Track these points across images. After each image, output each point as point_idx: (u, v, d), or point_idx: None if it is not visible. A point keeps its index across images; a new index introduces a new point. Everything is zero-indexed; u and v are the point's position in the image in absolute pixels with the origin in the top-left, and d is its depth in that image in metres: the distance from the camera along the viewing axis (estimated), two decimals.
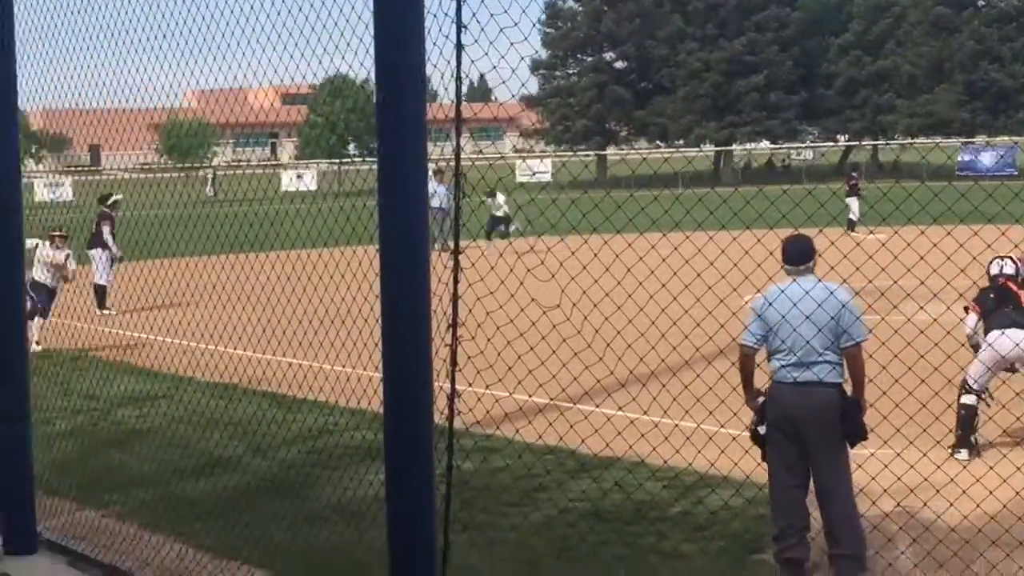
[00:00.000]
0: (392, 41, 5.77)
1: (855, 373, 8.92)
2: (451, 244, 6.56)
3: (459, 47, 6.12)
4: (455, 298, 6.49)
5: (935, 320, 9.29)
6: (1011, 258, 12.40)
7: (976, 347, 11.87)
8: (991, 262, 12.26)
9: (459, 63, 6.15)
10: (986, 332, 11.74)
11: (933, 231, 8.82)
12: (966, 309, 12.14)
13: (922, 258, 8.67)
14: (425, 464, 5.73)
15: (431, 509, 5.76)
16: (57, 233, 20.99)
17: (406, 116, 5.78)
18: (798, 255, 9.14)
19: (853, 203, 38.47)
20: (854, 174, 41.01)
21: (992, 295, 12.08)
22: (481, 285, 7.07)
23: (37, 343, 18.68)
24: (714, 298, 9.75)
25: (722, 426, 10.35)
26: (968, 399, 11.49)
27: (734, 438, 9.40)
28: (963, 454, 11.35)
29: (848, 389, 8.99)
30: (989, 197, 9.50)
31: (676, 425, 10.58)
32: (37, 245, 20.14)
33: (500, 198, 37.48)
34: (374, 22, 5.82)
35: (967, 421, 11.48)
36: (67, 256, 21.30)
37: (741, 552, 9.42)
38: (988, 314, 11.89)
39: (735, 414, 9.25)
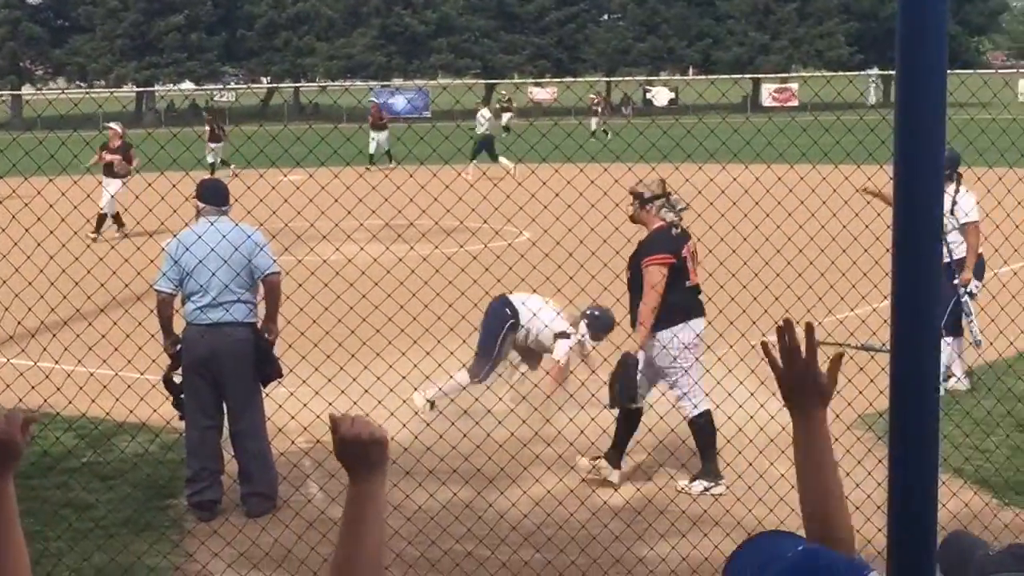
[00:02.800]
0: None
1: (272, 301, 9.11)
2: None
3: None
4: None
5: (350, 261, 9.52)
6: None
7: None
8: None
9: None
10: None
11: (348, 174, 8.99)
12: None
13: (336, 200, 8.84)
14: None
15: None
16: None
17: None
18: (216, 197, 9.18)
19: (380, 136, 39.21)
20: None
21: None
22: None
23: None
24: (132, 246, 9.54)
25: (142, 373, 10.16)
26: None
27: (129, 386, 9.29)
28: None
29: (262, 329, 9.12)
30: (398, 140, 9.80)
31: (92, 374, 10.31)
32: None
33: None
34: None
35: None
36: None
37: (151, 498, 9.38)
38: None
39: (154, 361, 9.12)
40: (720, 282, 10.37)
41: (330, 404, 9.51)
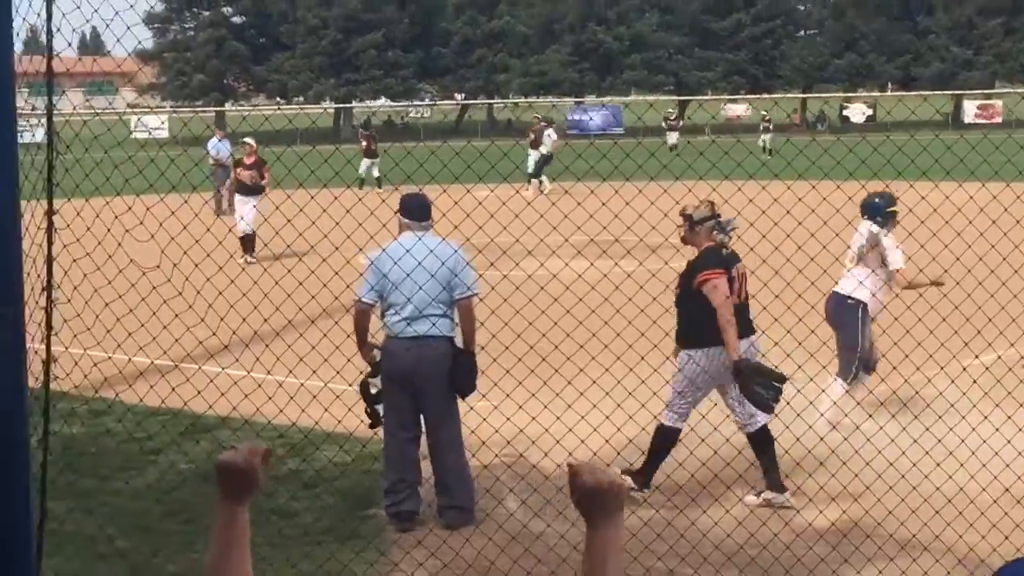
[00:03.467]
0: None
1: (467, 324, 9.15)
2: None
3: None
4: (49, 260, 6.33)
5: (554, 276, 9.54)
6: None
7: None
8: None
9: (50, 16, 5.99)
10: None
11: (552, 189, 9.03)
12: None
13: (542, 216, 8.89)
14: (17, 430, 5.39)
15: (26, 476, 5.42)
16: None
17: None
18: (419, 211, 9.28)
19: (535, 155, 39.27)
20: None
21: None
22: (77, 246, 6.83)
23: None
24: (325, 257, 9.70)
25: (350, 385, 10.35)
26: None
27: (337, 396, 9.38)
28: None
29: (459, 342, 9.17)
30: (604, 157, 9.82)
31: (302, 384, 10.51)
32: None
33: None
34: None
35: None
36: None
37: (354, 507, 9.53)
38: None
39: (338, 372, 9.22)
40: (931, 302, 10.17)
41: (533, 419, 9.59)
